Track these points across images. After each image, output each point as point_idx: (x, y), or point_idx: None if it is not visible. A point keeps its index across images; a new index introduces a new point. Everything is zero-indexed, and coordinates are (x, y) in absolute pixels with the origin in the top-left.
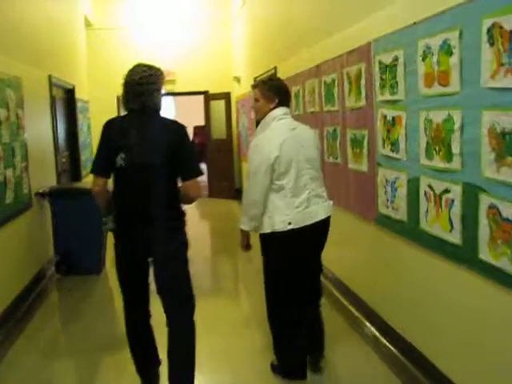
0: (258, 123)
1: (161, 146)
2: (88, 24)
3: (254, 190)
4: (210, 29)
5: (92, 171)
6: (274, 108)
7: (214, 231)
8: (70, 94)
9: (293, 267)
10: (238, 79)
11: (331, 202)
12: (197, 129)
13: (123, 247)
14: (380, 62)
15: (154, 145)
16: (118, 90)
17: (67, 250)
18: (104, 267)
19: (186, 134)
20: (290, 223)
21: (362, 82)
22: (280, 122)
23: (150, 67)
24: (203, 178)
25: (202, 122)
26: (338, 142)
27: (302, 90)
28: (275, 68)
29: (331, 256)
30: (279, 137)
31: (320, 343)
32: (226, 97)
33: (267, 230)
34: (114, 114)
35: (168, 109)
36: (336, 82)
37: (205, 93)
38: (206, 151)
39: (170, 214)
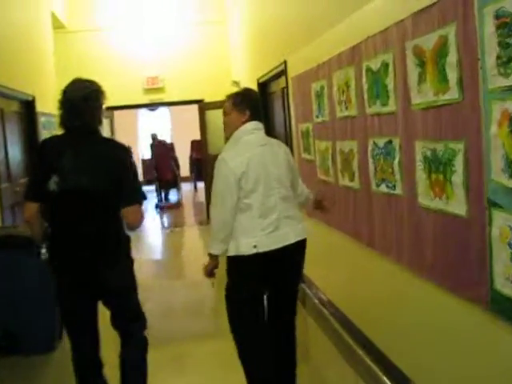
0: (227, 141)
1: (99, 169)
2: (59, 25)
3: (223, 210)
4: (203, 28)
5: (24, 196)
6: (246, 122)
7: None
8: (28, 107)
9: (258, 294)
10: (237, 84)
11: (305, 225)
12: (195, 143)
13: (61, 278)
14: (498, 15)
15: (92, 167)
16: None
17: (5, 322)
18: (61, 340)
19: (128, 156)
20: (255, 246)
21: (451, 58)
22: (250, 136)
23: (91, 82)
24: (200, 200)
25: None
26: (395, 161)
27: (327, 86)
28: (285, 63)
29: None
30: (246, 152)
31: (292, 369)
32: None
33: (231, 252)
34: None
35: (162, 121)
36: (391, 66)
37: (199, 101)
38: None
39: (107, 242)
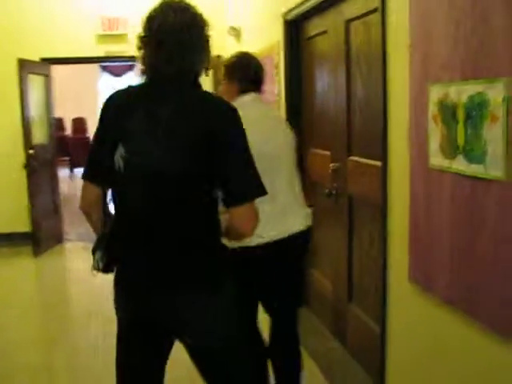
0: None
1: (188, 139)
2: None
3: None
4: None
5: (82, 176)
6: (240, 93)
7: None
8: None
9: (264, 291)
10: (236, 31)
11: (309, 210)
12: None
13: (124, 306)
14: None
15: (176, 136)
16: (17, 49)
17: None
18: None
19: (236, 123)
20: (260, 236)
21: None
22: (250, 111)
23: (189, 5)
24: None
25: None
26: None
27: None
28: None
29: None
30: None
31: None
32: (215, 65)
33: (233, 245)
34: (9, 90)
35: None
36: None
37: None
38: None
39: (199, 254)
